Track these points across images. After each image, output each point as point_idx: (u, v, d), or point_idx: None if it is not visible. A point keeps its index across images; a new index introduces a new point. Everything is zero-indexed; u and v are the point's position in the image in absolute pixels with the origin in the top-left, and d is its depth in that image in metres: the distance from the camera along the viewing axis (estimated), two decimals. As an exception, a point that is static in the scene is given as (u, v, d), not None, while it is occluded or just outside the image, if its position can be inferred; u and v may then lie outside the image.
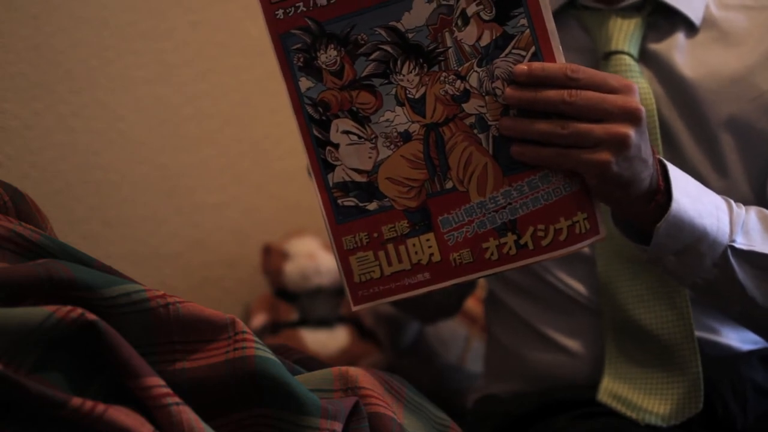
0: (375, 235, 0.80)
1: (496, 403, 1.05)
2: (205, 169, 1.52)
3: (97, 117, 1.36)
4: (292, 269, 1.43)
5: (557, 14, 0.98)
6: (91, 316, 0.55)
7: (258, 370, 0.59)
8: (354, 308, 0.80)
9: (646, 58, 0.95)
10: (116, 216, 1.40)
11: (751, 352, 0.96)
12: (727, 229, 0.82)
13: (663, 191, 0.78)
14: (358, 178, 0.80)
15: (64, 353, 0.55)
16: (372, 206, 0.79)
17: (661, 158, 0.80)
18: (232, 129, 1.55)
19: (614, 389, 0.93)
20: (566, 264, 1.00)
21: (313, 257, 1.45)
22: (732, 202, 0.85)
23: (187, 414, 0.55)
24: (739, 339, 0.96)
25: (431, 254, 0.78)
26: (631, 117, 0.72)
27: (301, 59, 0.80)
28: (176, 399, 0.55)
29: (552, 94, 0.71)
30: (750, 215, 0.85)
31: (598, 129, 0.71)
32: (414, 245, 0.79)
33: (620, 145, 0.72)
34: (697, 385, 0.90)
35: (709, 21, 0.94)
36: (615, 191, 0.75)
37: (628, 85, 0.73)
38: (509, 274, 1.05)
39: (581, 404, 0.95)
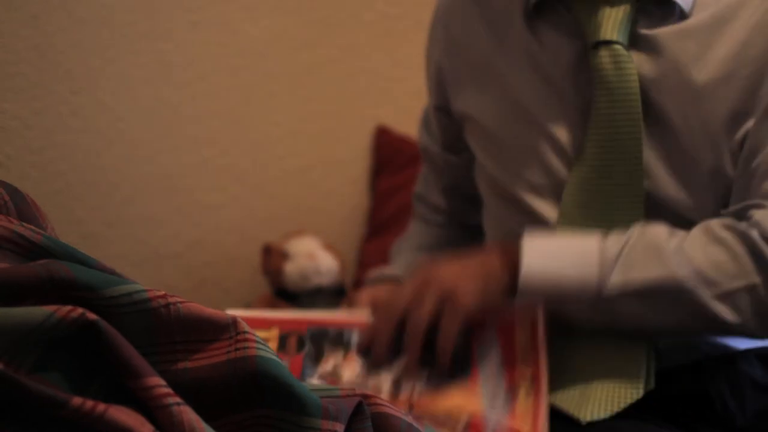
0: None
1: None
2: (205, 169, 1.52)
3: (97, 117, 1.36)
4: (292, 269, 1.43)
5: (538, 7, 0.98)
6: (92, 316, 0.55)
7: (259, 371, 0.58)
8: None
9: (637, 43, 0.93)
10: (116, 216, 1.40)
11: (748, 350, 0.96)
12: (593, 276, 0.89)
13: (514, 260, 0.92)
14: None
15: (64, 353, 0.55)
16: None
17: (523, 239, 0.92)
18: (232, 129, 1.55)
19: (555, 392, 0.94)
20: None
21: (313, 257, 1.45)
22: (605, 241, 0.91)
23: (188, 414, 0.55)
24: (736, 336, 0.96)
25: None
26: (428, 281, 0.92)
27: None
28: (177, 399, 0.55)
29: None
30: (637, 243, 0.90)
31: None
32: None
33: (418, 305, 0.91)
34: (641, 363, 0.91)
35: (700, 4, 0.93)
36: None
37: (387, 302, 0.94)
38: None
39: None
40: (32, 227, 0.63)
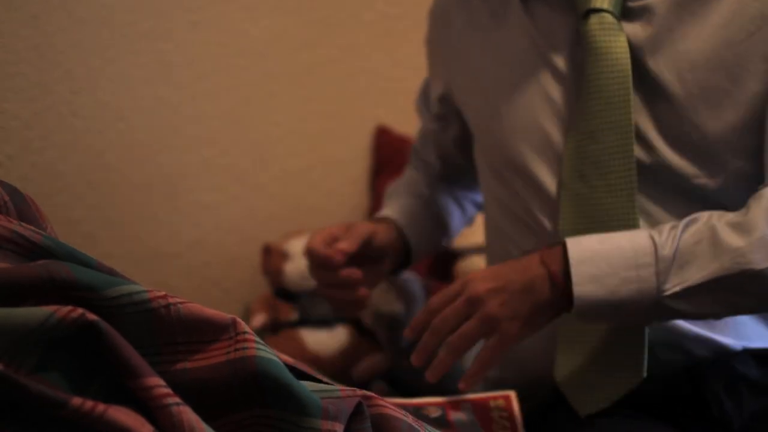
0: None
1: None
2: (205, 169, 1.52)
3: (97, 117, 1.36)
4: (291, 269, 1.43)
5: None
6: (92, 317, 0.55)
7: (259, 371, 0.59)
8: None
9: (630, 14, 0.94)
10: (116, 216, 1.40)
11: (745, 350, 0.96)
12: (653, 284, 0.86)
13: (562, 284, 0.88)
14: None
15: (64, 353, 0.55)
16: None
17: (565, 245, 0.89)
18: (232, 129, 1.55)
19: (563, 374, 0.95)
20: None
21: (313, 257, 1.45)
22: (657, 243, 0.86)
23: (188, 414, 0.55)
24: (733, 337, 0.96)
25: None
26: (473, 302, 0.90)
27: None
28: (177, 399, 0.55)
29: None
30: (684, 239, 0.86)
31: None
32: None
33: (475, 304, 0.90)
34: (641, 353, 0.91)
35: None
36: (518, 322, 0.89)
37: (462, 283, 0.92)
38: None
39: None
40: (32, 227, 0.63)
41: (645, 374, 0.90)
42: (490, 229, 1.13)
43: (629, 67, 0.92)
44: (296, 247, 1.46)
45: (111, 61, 1.36)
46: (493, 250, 1.13)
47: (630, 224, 0.92)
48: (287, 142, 1.62)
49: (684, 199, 0.93)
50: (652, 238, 0.87)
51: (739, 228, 0.85)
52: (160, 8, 1.42)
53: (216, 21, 1.49)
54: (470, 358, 0.97)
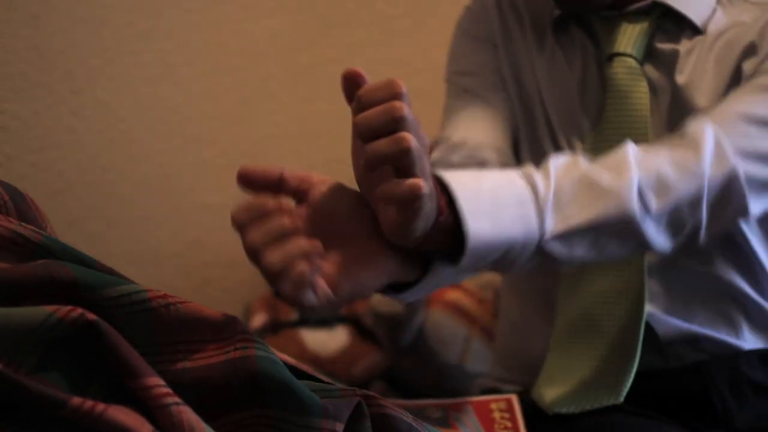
0: None
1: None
2: (205, 169, 1.52)
3: (97, 117, 1.36)
4: (292, 269, 1.43)
5: (563, 20, 0.99)
6: (91, 316, 0.55)
7: (259, 371, 0.58)
8: None
9: (654, 57, 0.97)
10: (116, 216, 1.40)
11: (751, 351, 0.96)
12: (535, 225, 0.76)
13: (446, 211, 0.72)
14: None
15: (64, 353, 0.55)
16: None
17: (440, 175, 0.73)
18: (232, 129, 1.55)
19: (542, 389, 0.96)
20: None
21: (313, 257, 1.45)
22: (539, 181, 0.77)
23: (188, 414, 0.55)
24: (739, 337, 0.96)
25: None
26: (396, 120, 0.64)
27: None
28: (176, 399, 0.55)
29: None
30: (565, 182, 0.78)
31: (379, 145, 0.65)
32: None
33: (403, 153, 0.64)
34: (626, 376, 0.91)
35: (714, 22, 0.95)
36: (416, 220, 0.67)
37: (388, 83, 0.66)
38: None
39: None
40: (32, 227, 0.63)
41: (622, 399, 0.91)
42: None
43: (648, 111, 0.94)
44: (296, 247, 1.46)
45: (111, 61, 1.36)
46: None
47: (637, 268, 0.93)
48: (287, 142, 1.61)
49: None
50: (527, 177, 0.78)
51: (617, 170, 0.80)
52: (160, 8, 1.42)
53: (216, 21, 1.49)
54: (469, 357, 0.97)
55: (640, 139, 0.92)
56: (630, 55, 0.95)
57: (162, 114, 1.44)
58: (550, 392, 0.95)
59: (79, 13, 1.31)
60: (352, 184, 0.84)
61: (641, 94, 0.94)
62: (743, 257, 0.96)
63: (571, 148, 0.99)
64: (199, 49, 1.48)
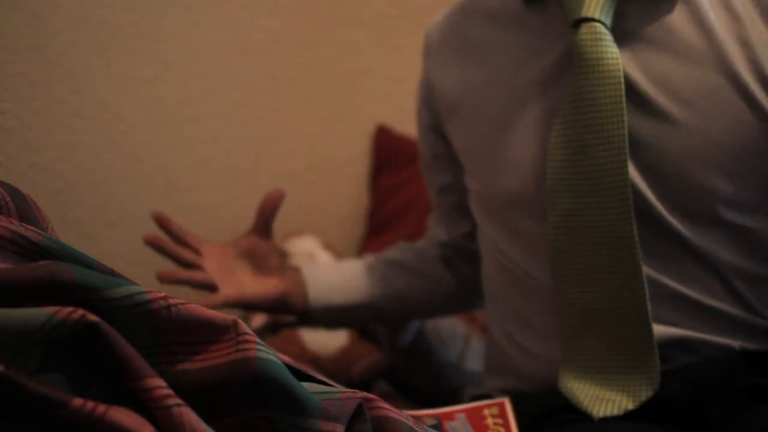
0: None
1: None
2: (205, 169, 1.52)
3: (97, 117, 1.36)
4: (292, 269, 1.43)
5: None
6: (93, 318, 0.55)
7: (259, 372, 0.59)
8: None
9: (620, 29, 0.92)
10: (116, 216, 1.40)
11: (741, 352, 0.94)
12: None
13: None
14: None
15: (65, 354, 0.55)
16: None
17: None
18: (232, 129, 1.55)
19: (568, 383, 0.94)
20: (531, 257, 1.00)
21: (313, 257, 1.45)
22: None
23: (189, 415, 0.55)
24: (728, 339, 0.95)
25: None
26: None
27: None
28: (178, 400, 0.55)
29: None
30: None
31: None
32: None
33: None
34: (653, 365, 0.90)
35: None
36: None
37: None
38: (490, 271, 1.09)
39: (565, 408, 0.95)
40: (33, 228, 0.63)
41: (658, 385, 0.90)
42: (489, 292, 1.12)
43: (621, 78, 0.89)
44: (296, 247, 1.47)
45: (111, 61, 1.36)
46: (491, 310, 1.12)
47: (627, 242, 0.90)
48: (287, 142, 1.62)
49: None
50: None
51: None
52: (160, 8, 1.42)
53: (216, 21, 1.49)
54: (455, 354, 0.97)
55: (615, 110, 0.89)
56: (598, 20, 0.90)
57: (162, 114, 1.44)
58: (579, 387, 0.94)
59: (79, 13, 1.31)
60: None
61: (613, 61, 0.89)
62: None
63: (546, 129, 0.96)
64: (199, 49, 1.48)
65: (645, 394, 0.91)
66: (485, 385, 1.11)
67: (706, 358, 0.93)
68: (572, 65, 0.93)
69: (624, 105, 0.89)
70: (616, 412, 0.91)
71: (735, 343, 0.94)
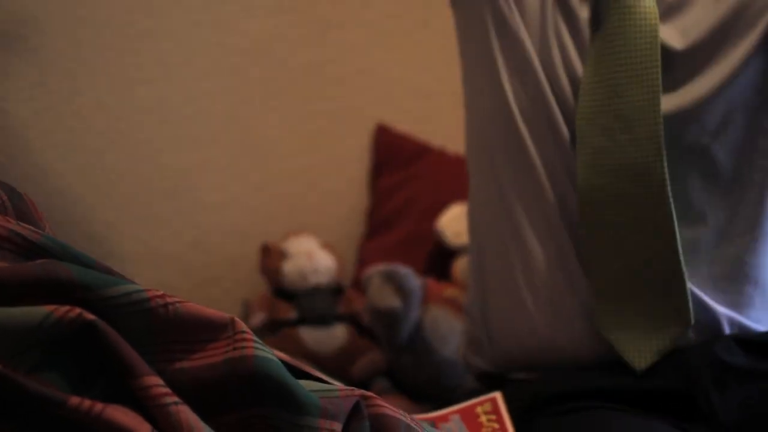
0: None
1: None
2: (205, 169, 1.52)
3: (97, 117, 1.36)
4: (290, 268, 1.43)
5: None
6: (90, 316, 0.55)
7: (257, 370, 0.58)
8: None
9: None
10: (116, 216, 1.41)
11: (731, 336, 0.95)
12: None
13: None
14: None
15: (62, 353, 0.55)
16: None
17: None
18: (232, 129, 1.55)
19: (604, 326, 0.95)
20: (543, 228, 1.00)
21: (311, 256, 1.45)
22: None
23: (186, 414, 0.55)
24: (723, 321, 0.96)
25: None
26: None
27: None
28: (175, 398, 0.55)
29: None
30: None
31: None
32: None
33: None
34: (682, 295, 0.92)
35: None
36: None
37: None
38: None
39: (573, 395, 0.95)
40: (31, 227, 0.63)
41: (692, 321, 0.91)
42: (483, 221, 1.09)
43: (657, 19, 0.91)
44: (295, 246, 1.47)
45: (111, 61, 1.36)
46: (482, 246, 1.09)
47: (658, 179, 0.91)
48: (287, 142, 1.62)
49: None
50: None
51: None
52: (160, 8, 1.42)
53: (216, 21, 1.50)
54: (454, 350, 0.97)
55: (649, 51, 0.90)
56: None
57: (162, 114, 1.45)
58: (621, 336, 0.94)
59: (80, 13, 1.31)
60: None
61: (650, 11, 0.91)
62: None
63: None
64: (199, 49, 1.48)
65: (676, 329, 0.92)
66: (474, 365, 1.10)
67: (695, 342, 0.94)
68: (607, 8, 0.93)
69: (658, 46, 0.91)
70: (651, 359, 0.92)
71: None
